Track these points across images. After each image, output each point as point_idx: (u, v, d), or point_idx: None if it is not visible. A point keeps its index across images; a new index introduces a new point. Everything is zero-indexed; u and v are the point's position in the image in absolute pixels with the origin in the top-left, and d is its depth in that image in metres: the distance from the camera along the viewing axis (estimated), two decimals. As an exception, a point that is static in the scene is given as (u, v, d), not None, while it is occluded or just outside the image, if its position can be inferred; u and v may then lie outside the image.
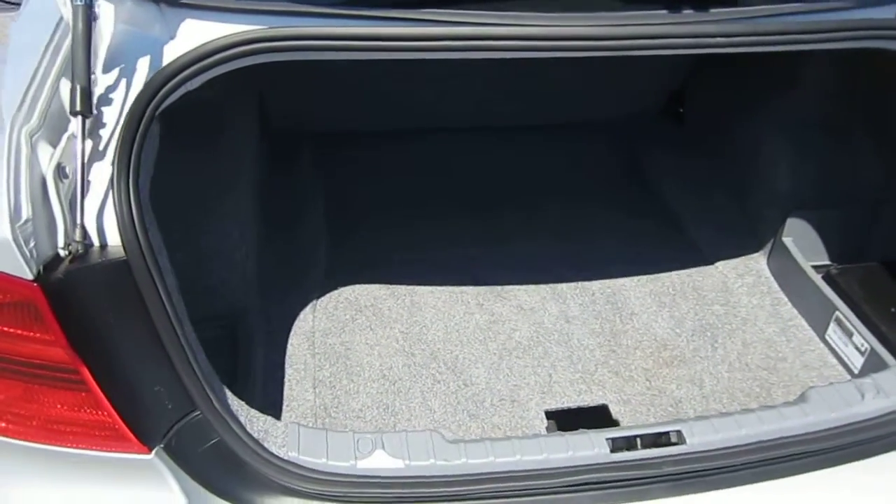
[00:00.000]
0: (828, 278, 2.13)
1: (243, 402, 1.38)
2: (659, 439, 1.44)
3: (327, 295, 2.16)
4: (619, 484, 1.36)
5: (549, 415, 1.86)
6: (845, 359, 2.01)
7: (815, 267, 2.21)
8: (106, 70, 1.29)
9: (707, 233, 2.49)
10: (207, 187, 2.02)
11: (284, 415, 1.79)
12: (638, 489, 1.37)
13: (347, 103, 2.75)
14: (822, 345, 2.10)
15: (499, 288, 2.24)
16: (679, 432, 1.45)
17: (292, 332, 2.02)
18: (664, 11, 1.37)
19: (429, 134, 2.86)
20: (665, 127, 2.95)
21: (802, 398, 1.56)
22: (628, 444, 1.43)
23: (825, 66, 2.27)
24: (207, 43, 1.30)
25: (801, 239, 2.29)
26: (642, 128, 2.95)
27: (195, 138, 2.03)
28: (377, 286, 2.20)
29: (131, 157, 1.19)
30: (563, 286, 2.27)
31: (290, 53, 1.37)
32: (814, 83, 2.32)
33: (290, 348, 1.97)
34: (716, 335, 2.12)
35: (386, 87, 2.70)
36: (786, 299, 2.26)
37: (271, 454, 1.30)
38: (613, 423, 1.84)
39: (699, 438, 1.44)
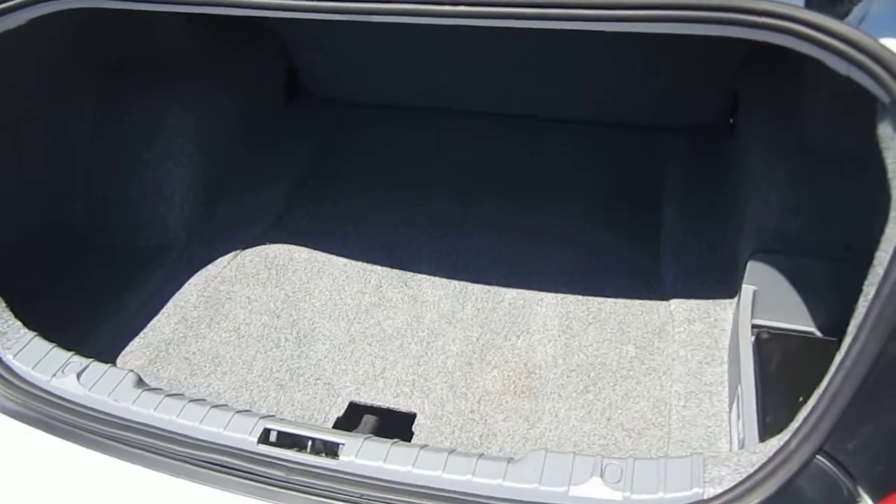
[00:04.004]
0: (756, 343, 1.64)
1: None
2: (312, 445, 1.31)
3: (252, 248, 2.27)
4: (243, 475, 1.28)
5: (353, 407, 1.76)
6: (732, 446, 1.55)
7: (759, 327, 1.71)
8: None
9: (684, 265, 2.06)
10: (158, 129, 2.26)
11: (136, 340, 1.96)
12: (256, 486, 1.26)
13: (378, 76, 2.79)
14: (726, 423, 1.64)
15: (410, 275, 2.14)
16: (340, 445, 1.30)
17: (198, 274, 2.17)
18: None
19: (451, 115, 2.76)
20: (712, 139, 2.45)
21: (522, 459, 1.27)
22: (278, 440, 1.32)
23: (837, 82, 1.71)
24: None
25: (769, 290, 1.77)
26: (686, 137, 2.49)
27: (149, 84, 2.27)
28: (301, 249, 2.25)
29: None
30: (477, 287, 2.08)
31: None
32: (826, 103, 1.76)
33: (185, 287, 2.13)
34: (598, 378, 1.78)
35: (415, 64, 2.68)
36: (725, 359, 1.79)
37: (-13, 349, 1.49)
38: (407, 434, 1.68)
39: (354, 459, 1.27)
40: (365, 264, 2.18)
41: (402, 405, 1.76)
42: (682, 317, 1.91)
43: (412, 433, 1.68)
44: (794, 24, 1.11)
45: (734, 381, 1.65)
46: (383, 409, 1.75)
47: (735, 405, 1.58)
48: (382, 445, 1.30)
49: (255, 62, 2.64)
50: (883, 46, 1.06)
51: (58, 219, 2.13)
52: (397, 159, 2.64)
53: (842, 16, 1.18)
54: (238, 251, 2.26)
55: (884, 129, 1.08)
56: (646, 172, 2.43)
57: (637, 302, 1.98)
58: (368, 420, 1.73)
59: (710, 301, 1.94)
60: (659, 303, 1.97)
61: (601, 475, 1.21)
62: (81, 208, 2.20)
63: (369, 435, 1.35)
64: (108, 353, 1.90)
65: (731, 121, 2.38)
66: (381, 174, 2.57)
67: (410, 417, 1.72)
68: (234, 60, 2.52)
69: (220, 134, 2.40)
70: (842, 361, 1.04)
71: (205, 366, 1.88)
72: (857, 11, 1.23)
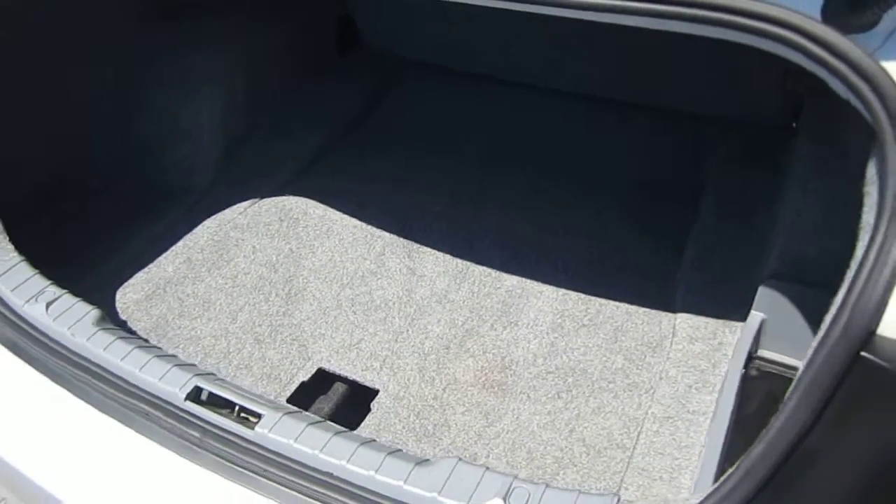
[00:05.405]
0: (743, 380, 1.47)
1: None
2: (237, 411, 1.30)
3: (271, 198, 2.27)
4: (165, 428, 1.29)
5: (320, 373, 1.75)
6: (693, 484, 1.42)
7: (762, 359, 1.54)
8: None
9: (703, 277, 1.88)
10: (194, 71, 2.28)
11: (140, 274, 2.02)
12: (177, 441, 1.28)
13: (438, 36, 2.69)
14: (696, 454, 1.50)
15: (416, 246, 2.08)
16: (260, 416, 1.28)
17: (213, 217, 2.20)
18: None
19: (503, 86, 2.64)
20: (772, 142, 2.20)
21: (432, 464, 1.21)
22: (208, 400, 1.33)
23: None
24: None
25: (780, 320, 1.59)
26: (740, 136, 2.26)
27: (191, 22, 2.29)
28: (317, 205, 2.23)
29: None
30: (479, 268, 2.00)
31: None
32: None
33: (198, 229, 2.16)
34: (575, 385, 1.67)
35: (471, 31, 2.57)
36: (718, 387, 1.63)
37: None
38: (364, 411, 1.65)
39: (267, 433, 1.25)
40: (374, 229, 2.14)
41: (367, 380, 1.73)
42: (685, 333, 1.76)
43: (369, 410, 1.66)
44: (788, 32, 0.95)
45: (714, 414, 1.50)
46: (349, 380, 1.73)
47: (706, 441, 1.44)
48: (299, 424, 1.27)
49: (310, 7, 2.60)
50: (883, 72, 0.88)
51: (87, 152, 2.20)
52: (438, 124, 2.55)
53: (866, 27, 0.99)
54: (257, 199, 2.27)
55: (869, 169, 0.91)
56: (688, 170, 2.23)
57: (641, 310, 1.84)
58: (335, 389, 1.72)
59: (720, 321, 1.76)
60: (664, 314, 1.82)
61: (505, 497, 1.14)
62: (110, 142, 2.27)
63: (295, 410, 1.33)
64: (111, 282, 1.97)
65: (794, 125, 2.13)
66: (417, 138, 2.50)
67: (372, 393, 1.69)
68: (288, 4, 2.50)
69: (261, 78, 2.40)
70: (762, 436, 0.91)
71: (194, 309, 1.92)
72: (887, 22, 1.03)
